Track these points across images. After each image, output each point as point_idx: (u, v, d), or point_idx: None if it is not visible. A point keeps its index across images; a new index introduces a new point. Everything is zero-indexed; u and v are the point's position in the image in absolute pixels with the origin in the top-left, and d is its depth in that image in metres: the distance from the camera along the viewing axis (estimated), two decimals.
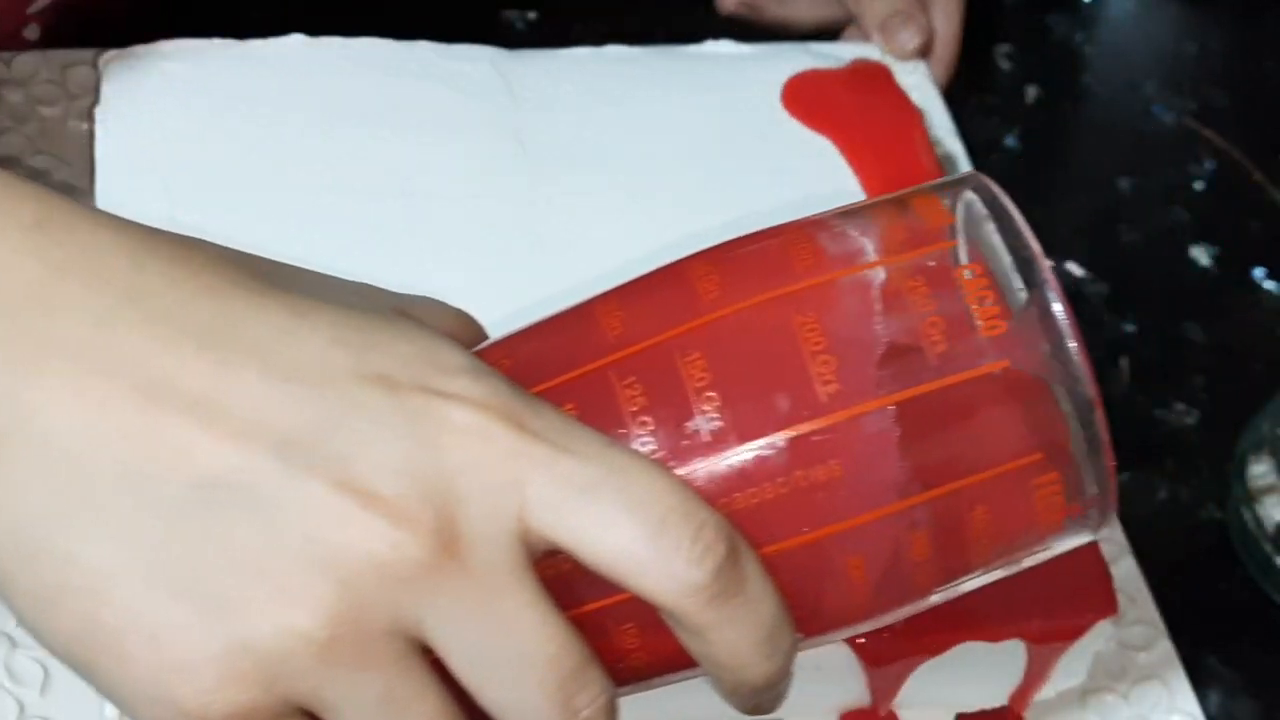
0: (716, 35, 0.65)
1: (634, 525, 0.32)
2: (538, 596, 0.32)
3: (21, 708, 0.47)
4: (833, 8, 0.72)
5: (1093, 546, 0.49)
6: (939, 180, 0.38)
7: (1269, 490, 0.59)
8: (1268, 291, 0.70)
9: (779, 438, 0.34)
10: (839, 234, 0.37)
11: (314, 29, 0.61)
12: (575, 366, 0.35)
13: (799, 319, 0.35)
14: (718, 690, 0.35)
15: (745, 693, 0.34)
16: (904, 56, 0.68)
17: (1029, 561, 0.37)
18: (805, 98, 0.61)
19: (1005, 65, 0.78)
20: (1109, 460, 0.36)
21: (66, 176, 0.59)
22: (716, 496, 0.34)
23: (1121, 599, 0.53)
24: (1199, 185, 0.74)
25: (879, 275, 0.35)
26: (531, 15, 0.74)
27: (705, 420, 0.34)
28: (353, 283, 0.38)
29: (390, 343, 0.33)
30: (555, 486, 0.32)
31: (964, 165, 0.67)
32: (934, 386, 0.34)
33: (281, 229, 0.53)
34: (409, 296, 0.38)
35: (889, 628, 0.38)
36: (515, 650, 0.32)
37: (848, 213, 0.37)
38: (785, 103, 0.61)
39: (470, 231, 0.54)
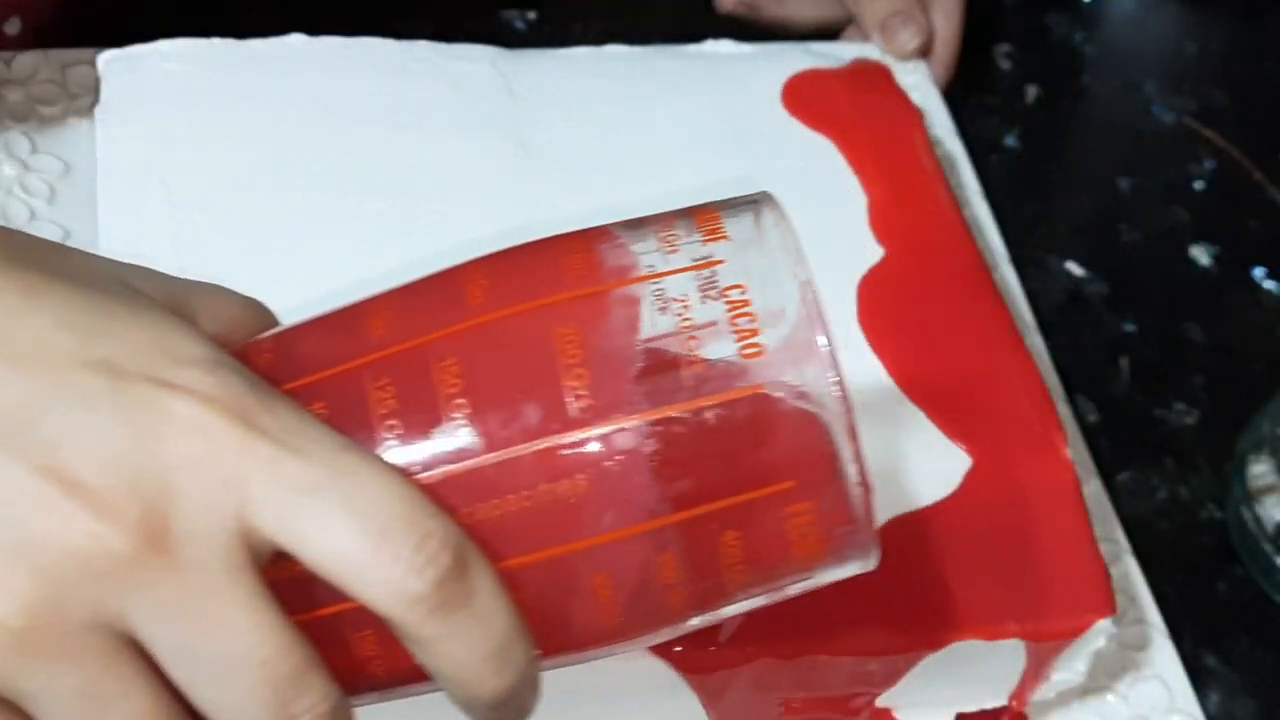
0: (716, 35, 0.65)
1: (355, 531, 0.31)
2: (254, 596, 0.31)
3: None
4: (832, 7, 0.72)
5: (1090, 546, 0.49)
6: (730, 198, 0.37)
7: (1269, 490, 0.59)
8: (1268, 291, 0.70)
9: (525, 449, 0.33)
10: (615, 246, 0.36)
11: (314, 29, 0.61)
12: (333, 365, 0.34)
13: (559, 330, 0.34)
14: (452, 702, 0.34)
15: (477, 707, 0.34)
16: (904, 56, 0.68)
17: (796, 589, 0.36)
18: (805, 98, 0.61)
19: (1005, 65, 0.78)
20: (866, 493, 0.34)
21: (66, 176, 0.59)
22: (459, 506, 0.33)
23: (1121, 598, 0.53)
24: (1199, 185, 0.74)
25: (646, 290, 0.35)
26: (531, 15, 0.74)
27: (452, 427, 0.33)
28: (132, 266, 0.36)
29: (122, 329, 0.32)
30: (278, 487, 0.31)
31: (964, 165, 0.67)
32: (687, 407, 0.34)
33: (281, 228, 0.53)
34: (193, 283, 0.37)
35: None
36: (226, 651, 0.31)
37: (631, 224, 0.37)
38: (785, 103, 0.61)
39: (470, 231, 0.54)
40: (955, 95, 0.70)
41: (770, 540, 0.34)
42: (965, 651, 0.48)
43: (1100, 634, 0.49)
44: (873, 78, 0.64)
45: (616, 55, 0.63)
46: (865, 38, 0.69)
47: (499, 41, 0.62)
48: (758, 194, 0.37)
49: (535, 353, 0.34)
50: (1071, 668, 0.50)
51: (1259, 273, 0.70)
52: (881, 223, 0.57)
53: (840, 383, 0.34)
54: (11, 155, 0.59)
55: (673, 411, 0.34)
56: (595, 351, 0.34)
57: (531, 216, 0.55)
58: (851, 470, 0.34)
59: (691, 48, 0.64)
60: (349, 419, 0.33)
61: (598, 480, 0.33)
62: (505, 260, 0.36)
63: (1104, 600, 0.48)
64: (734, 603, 0.36)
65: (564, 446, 0.33)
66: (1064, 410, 0.60)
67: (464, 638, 0.32)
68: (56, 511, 0.31)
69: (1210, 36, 0.80)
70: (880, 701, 0.50)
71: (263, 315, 0.38)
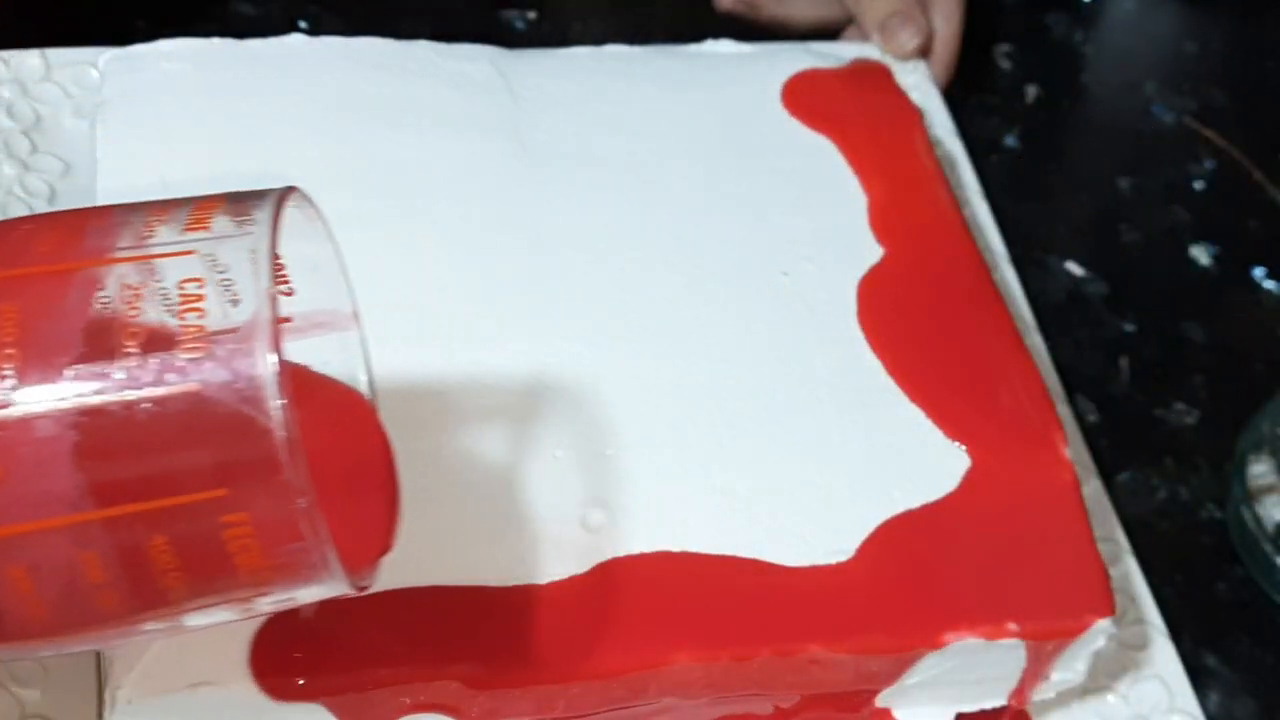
0: (716, 35, 0.65)
1: None
2: None
3: (23, 708, 0.47)
4: (831, 7, 0.72)
5: (1089, 546, 0.50)
6: (257, 189, 0.36)
7: (1269, 490, 0.59)
8: (1268, 291, 0.70)
9: None
10: (103, 226, 0.34)
11: (314, 29, 0.61)
12: None
13: (2, 307, 0.33)
14: None
15: None
16: (903, 56, 0.68)
17: (269, 604, 0.35)
18: (805, 97, 0.61)
19: (1005, 65, 0.78)
20: (312, 512, 0.33)
21: (66, 176, 0.59)
22: None
23: (1121, 598, 0.53)
24: (1199, 185, 0.74)
25: (104, 274, 0.33)
26: (531, 15, 0.74)
27: None
28: None
29: None
30: None
31: (964, 165, 0.67)
32: (117, 400, 0.32)
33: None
34: None
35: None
36: None
37: (138, 205, 0.35)
38: (785, 103, 0.61)
39: (470, 231, 0.54)
40: (955, 95, 0.70)
41: (206, 549, 0.33)
42: (965, 651, 0.48)
43: (1100, 634, 0.49)
44: (873, 78, 0.64)
45: (616, 55, 0.63)
46: (865, 38, 0.69)
47: (499, 41, 0.62)
48: (282, 188, 0.35)
49: None
50: (1071, 667, 0.50)
51: (1259, 272, 0.70)
52: (881, 223, 0.57)
53: (283, 396, 0.32)
54: (11, 155, 0.59)
55: (102, 402, 0.32)
56: (32, 332, 0.32)
57: (531, 216, 0.55)
58: (294, 486, 0.32)
59: (692, 48, 0.64)
60: None
61: (15, 466, 0.32)
62: (8, 227, 0.35)
63: (1103, 600, 0.48)
64: (189, 611, 0.34)
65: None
66: (1064, 410, 0.60)
67: None
68: None
69: (1210, 36, 0.81)
70: (880, 701, 0.50)
71: None
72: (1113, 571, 0.52)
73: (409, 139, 0.57)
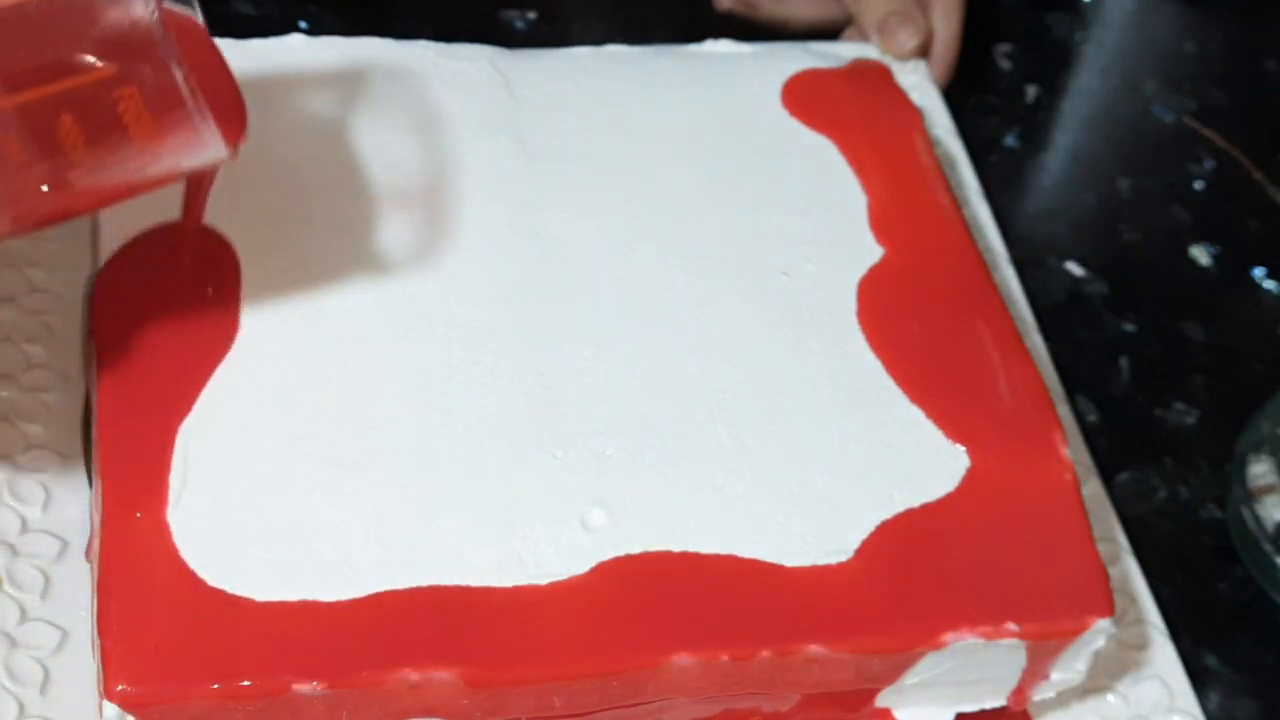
0: (716, 35, 0.65)
1: None
2: None
3: (21, 707, 0.47)
4: (830, 7, 0.72)
5: (1088, 546, 0.50)
6: None
7: (1269, 490, 0.59)
8: (1267, 291, 0.70)
9: None
10: None
11: (314, 29, 0.61)
12: None
13: None
14: None
15: None
16: (902, 56, 0.68)
17: (157, 172, 0.40)
18: (805, 97, 0.61)
19: (1005, 65, 0.78)
20: (188, 78, 0.39)
21: None
22: None
23: (1121, 598, 0.53)
24: (1199, 185, 0.74)
25: None
26: (531, 15, 0.74)
27: None
28: None
29: None
30: None
31: (965, 165, 0.67)
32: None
33: (282, 228, 0.53)
34: None
35: None
36: None
37: None
38: (785, 102, 0.61)
39: (469, 230, 0.54)
40: (955, 95, 0.70)
41: (107, 122, 0.38)
42: (964, 651, 0.48)
43: (1099, 634, 0.49)
44: (873, 77, 0.64)
45: (616, 55, 0.63)
46: (864, 38, 0.69)
47: (499, 41, 0.62)
48: None
49: None
50: (1071, 667, 0.50)
51: (1259, 272, 0.70)
52: (881, 223, 0.57)
53: None
54: None
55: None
56: None
57: (531, 216, 0.55)
58: (170, 55, 0.39)
59: (692, 48, 0.64)
60: None
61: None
62: None
63: (1102, 600, 0.48)
64: (100, 182, 0.40)
65: None
66: (1064, 410, 0.60)
67: None
68: None
69: (1210, 36, 0.81)
70: (880, 701, 0.50)
71: None
72: (1113, 571, 0.52)
73: (409, 139, 0.57)
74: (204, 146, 0.41)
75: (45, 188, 0.39)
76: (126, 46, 0.38)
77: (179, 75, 0.39)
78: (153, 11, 0.38)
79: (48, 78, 0.38)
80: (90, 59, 0.38)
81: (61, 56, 0.38)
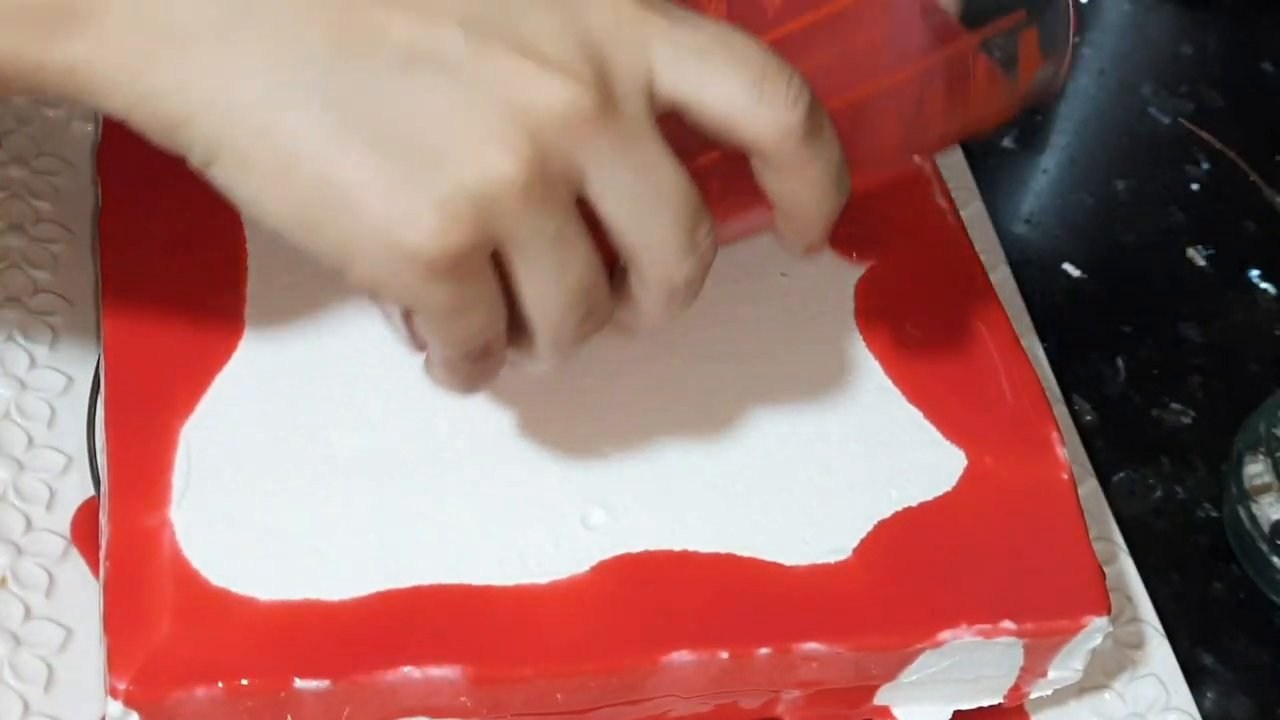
0: None
1: (742, 79, 0.38)
2: (667, 146, 0.38)
3: (26, 705, 0.48)
4: None
5: (1085, 546, 0.50)
6: None
7: (1265, 489, 0.59)
8: (1263, 291, 0.70)
9: (829, 12, 0.41)
10: None
11: None
12: None
13: None
14: (786, 231, 0.41)
15: (814, 229, 0.41)
16: None
17: (1003, 116, 0.45)
18: None
19: None
20: (1071, 20, 0.43)
21: (69, 178, 0.59)
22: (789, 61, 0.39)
23: (1118, 597, 0.53)
24: (1195, 186, 0.74)
25: None
26: None
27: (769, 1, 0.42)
28: None
29: None
30: (676, 49, 0.38)
31: (962, 167, 0.67)
32: None
33: None
34: None
35: None
36: (656, 188, 0.38)
37: None
38: None
39: None
40: None
41: (1006, 62, 0.42)
42: (962, 649, 0.48)
43: (1096, 632, 0.49)
44: None
45: None
46: None
47: None
48: None
49: None
50: (1068, 666, 0.50)
51: (1255, 273, 0.70)
52: (879, 224, 0.57)
53: None
54: (16, 156, 0.59)
55: None
56: None
57: None
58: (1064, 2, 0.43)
59: None
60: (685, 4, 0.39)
61: (886, 30, 0.42)
62: None
63: (1099, 599, 0.49)
64: (964, 128, 0.45)
65: (858, 6, 0.42)
66: (1060, 410, 0.61)
67: (820, 161, 0.39)
68: (539, 81, 0.36)
69: (1206, 38, 0.81)
70: (878, 699, 0.50)
71: None
72: (1109, 570, 0.52)
73: None
74: (1050, 79, 0.44)
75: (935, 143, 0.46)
76: None
77: (1068, 18, 0.43)
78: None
79: (968, 30, 0.42)
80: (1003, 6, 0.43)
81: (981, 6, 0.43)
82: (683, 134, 0.38)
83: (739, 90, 0.38)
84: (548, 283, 0.38)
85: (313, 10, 0.36)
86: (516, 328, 0.39)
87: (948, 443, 0.51)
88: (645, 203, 0.38)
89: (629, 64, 0.37)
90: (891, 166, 0.46)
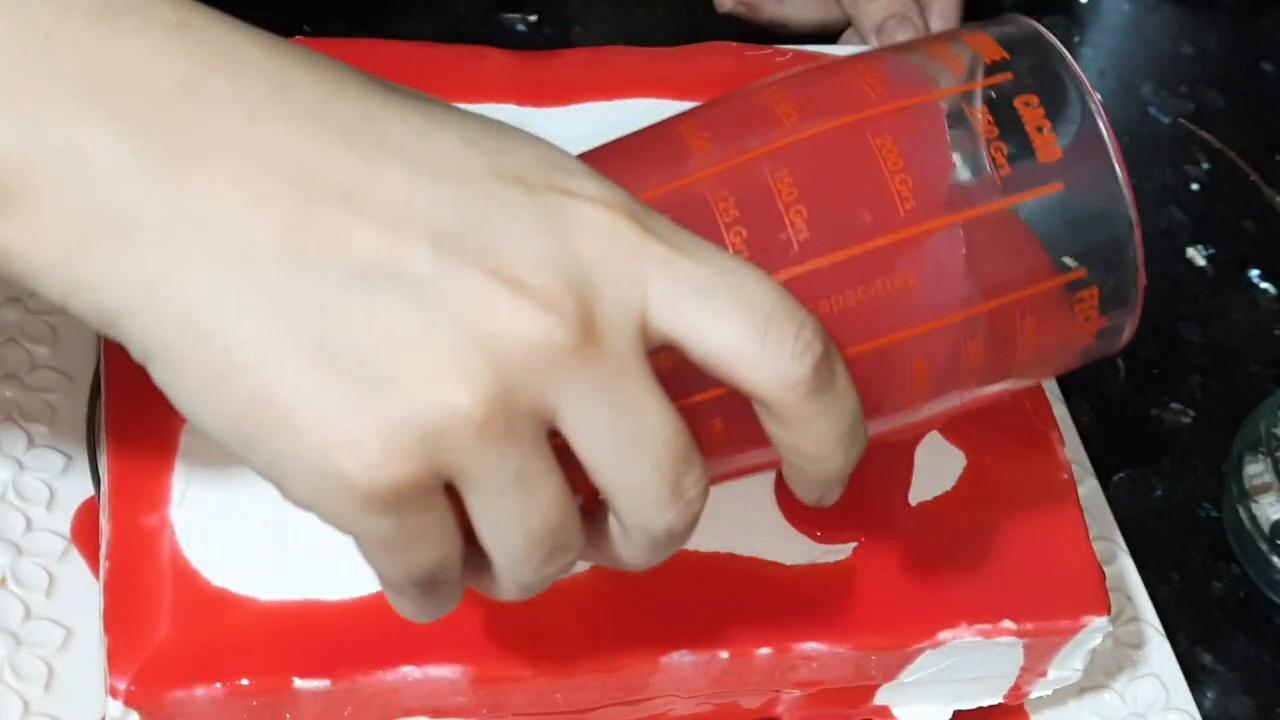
0: (716, 35, 0.65)
1: (744, 322, 0.35)
2: (656, 385, 0.35)
3: (26, 705, 0.48)
4: (830, 9, 0.72)
5: (1085, 546, 0.50)
6: (984, 21, 0.42)
7: (1265, 489, 0.59)
8: (1264, 291, 0.70)
9: (861, 249, 0.37)
10: (902, 65, 0.40)
11: (316, 31, 0.61)
12: (669, 181, 0.38)
13: (877, 141, 0.38)
14: (793, 482, 0.38)
15: (823, 482, 0.38)
16: None
17: (1055, 370, 0.42)
18: None
19: None
20: (1142, 279, 0.39)
21: None
22: (804, 302, 0.36)
23: (1118, 597, 0.53)
24: (1195, 186, 0.74)
25: (946, 102, 0.39)
26: (532, 18, 0.74)
27: (795, 231, 0.37)
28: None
29: (517, 147, 0.35)
30: (674, 283, 0.35)
31: None
32: (997, 206, 0.38)
33: None
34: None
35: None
36: (636, 431, 0.35)
37: (907, 47, 0.41)
38: None
39: None
40: None
41: (1060, 323, 0.39)
42: (962, 649, 0.48)
43: (1096, 632, 0.49)
44: None
45: (617, 56, 0.63)
46: (863, 40, 0.70)
47: (499, 43, 0.62)
48: (1009, 15, 0.41)
49: (861, 161, 0.38)
50: (1068, 665, 0.50)
51: (1255, 273, 0.70)
52: None
53: (1126, 175, 0.39)
54: None
55: (987, 210, 0.38)
56: (913, 158, 0.38)
57: None
58: (1136, 258, 0.39)
59: (692, 48, 0.64)
60: (698, 228, 0.36)
61: (921, 275, 0.38)
62: (803, 83, 0.40)
63: (1099, 599, 0.49)
64: (1010, 383, 0.41)
65: (896, 245, 0.37)
66: (1060, 410, 0.61)
67: (827, 417, 0.36)
68: (509, 309, 0.33)
69: (1207, 38, 0.81)
70: (878, 699, 0.50)
71: None
72: (1109, 570, 0.52)
73: None
74: (1111, 347, 0.41)
75: (973, 391, 0.40)
76: (1099, 247, 0.39)
77: (1137, 277, 0.40)
78: (1129, 209, 0.40)
79: (1023, 282, 0.39)
80: (1067, 260, 0.39)
81: (1039, 259, 0.39)
82: (686, 365, 0.35)
83: (740, 334, 0.35)
84: (506, 524, 0.35)
85: (269, 207, 0.33)
86: (479, 557, 0.36)
87: (947, 443, 0.51)
88: (624, 445, 0.35)
89: (618, 296, 0.34)
90: (919, 418, 0.41)
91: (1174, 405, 0.65)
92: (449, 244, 0.33)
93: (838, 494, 0.38)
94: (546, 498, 0.35)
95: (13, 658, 0.48)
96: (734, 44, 0.64)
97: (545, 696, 0.46)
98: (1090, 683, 0.53)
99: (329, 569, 0.45)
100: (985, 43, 0.40)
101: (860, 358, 0.37)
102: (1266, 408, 0.61)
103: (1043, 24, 0.82)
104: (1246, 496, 0.60)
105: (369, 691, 0.44)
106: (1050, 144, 0.38)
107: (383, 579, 0.36)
